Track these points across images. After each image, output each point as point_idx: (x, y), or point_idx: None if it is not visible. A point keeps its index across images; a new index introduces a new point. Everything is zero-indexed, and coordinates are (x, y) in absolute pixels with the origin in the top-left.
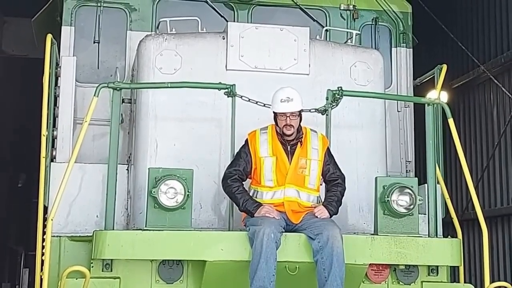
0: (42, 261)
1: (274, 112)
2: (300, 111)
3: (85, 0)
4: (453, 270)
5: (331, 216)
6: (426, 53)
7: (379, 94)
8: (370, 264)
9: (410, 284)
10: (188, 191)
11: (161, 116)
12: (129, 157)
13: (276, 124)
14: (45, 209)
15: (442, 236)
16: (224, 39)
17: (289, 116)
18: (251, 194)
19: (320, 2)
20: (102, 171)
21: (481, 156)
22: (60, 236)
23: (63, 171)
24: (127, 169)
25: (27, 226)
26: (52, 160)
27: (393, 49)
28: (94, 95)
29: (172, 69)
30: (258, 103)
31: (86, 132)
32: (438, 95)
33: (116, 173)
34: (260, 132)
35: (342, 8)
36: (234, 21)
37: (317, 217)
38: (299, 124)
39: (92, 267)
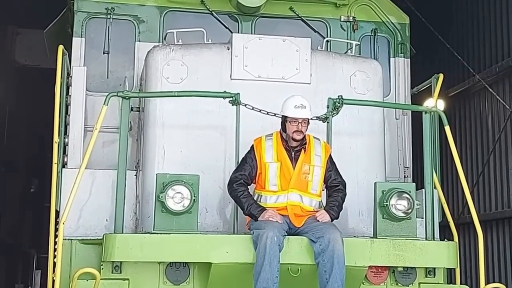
0: (54, 263)
1: (284, 118)
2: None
3: (95, 12)
4: (450, 272)
5: (332, 220)
6: (423, 63)
7: (378, 103)
8: (369, 266)
9: (408, 286)
10: (194, 196)
11: (168, 123)
12: (138, 163)
13: (284, 130)
14: (57, 213)
15: (439, 239)
16: (228, 49)
17: (301, 123)
18: (255, 198)
19: (321, 14)
20: (111, 176)
21: (476, 162)
22: (71, 239)
23: (74, 177)
24: (136, 175)
25: (39, 229)
26: (63, 166)
27: (391, 59)
28: (104, 104)
29: (179, 78)
30: (261, 111)
31: (96, 139)
32: (435, 103)
33: (125, 179)
34: (265, 138)
35: (342, 19)
36: (238, 33)
37: (318, 221)
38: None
39: (102, 269)
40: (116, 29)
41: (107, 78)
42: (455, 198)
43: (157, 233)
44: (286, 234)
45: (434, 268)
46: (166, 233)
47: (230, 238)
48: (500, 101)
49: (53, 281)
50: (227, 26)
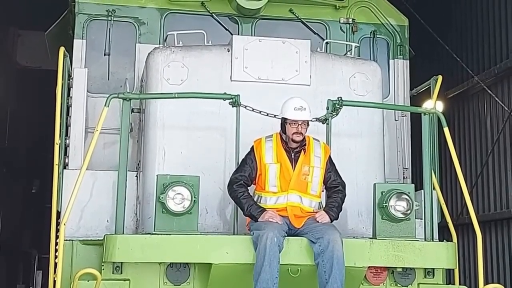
0: (55, 264)
1: (284, 120)
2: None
3: (96, 14)
4: (449, 273)
5: (331, 221)
6: (422, 65)
7: (377, 104)
8: (369, 267)
9: (407, 286)
10: (194, 197)
11: (168, 125)
12: (138, 164)
13: (284, 131)
14: (58, 214)
15: (438, 240)
16: (229, 51)
17: (300, 124)
18: (255, 199)
19: (320, 16)
20: (112, 177)
21: (475, 163)
22: (72, 240)
23: (75, 178)
24: (136, 176)
25: (41, 230)
26: (64, 167)
27: (390, 60)
28: (105, 105)
29: (179, 80)
30: (261, 112)
31: (97, 140)
32: (434, 105)
33: (126, 180)
34: (265, 139)
35: (341, 21)
36: (238, 34)
37: (318, 221)
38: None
39: (103, 269)
40: (116, 31)
41: (108, 79)
42: (454, 199)
43: (158, 234)
44: (286, 234)
45: (433, 269)
46: (167, 234)
47: (230, 239)
48: (498, 102)
49: (54, 281)
50: (227, 28)
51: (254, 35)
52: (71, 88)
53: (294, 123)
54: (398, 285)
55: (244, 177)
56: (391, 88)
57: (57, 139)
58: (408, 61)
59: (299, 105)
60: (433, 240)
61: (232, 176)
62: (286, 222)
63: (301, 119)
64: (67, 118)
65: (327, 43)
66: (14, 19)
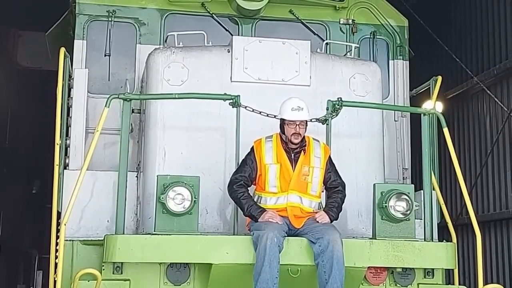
0: (56, 264)
1: (282, 120)
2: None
3: (96, 15)
4: (448, 273)
5: (331, 221)
6: (421, 65)
7: (377, 105)
8: (368, 267)
9: (407, 286)
10: (195, 197)
11: (169, 125)
12: (139, 164)
13: (283, 132)
14: (58, 214)
15: (437, 240)
16: (229, 52)
17: (298, 125)
18: (255, 199)
19: (320, 17)
20: (112, 178)
21: (474, 164)
22: (72, 240)
23: (75, 178)
24: (137, 176)
25: (41, 230)
26: (65, 168)
27: (390, 61)
28: (105, 106)
29: (180, 80)
30: (261, 113)
31: (97, 140)
32: (434, 105)
33: (126, 180)
34: (265, 140)
35: (341, 22)
36: (238, 35)
37: (318, 222)
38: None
39: (103, 269)
40: (117, 31)
41: (109, 80)
42: (454, 199)
43: (158, 234)
44: (286, 235)
45: (433, 269)
46: (167, 234)
47: (230, 239)
48: (498, 103)
49: (55, 281)
50: (227, 28)
51: (254, 36)
52: (72, 89)
53: (292, 123)
54: (398, 285)
55: (244, 178)
56: (390, 89)
57: (57, 140)
58: (407, 62)
59: (296, 105)
60: (432, 241)
61: (232, 177)
62: (286, 222)
63: (299, 119)
64: (67, 119)
65: (327, 43)
66: (15, 19)
